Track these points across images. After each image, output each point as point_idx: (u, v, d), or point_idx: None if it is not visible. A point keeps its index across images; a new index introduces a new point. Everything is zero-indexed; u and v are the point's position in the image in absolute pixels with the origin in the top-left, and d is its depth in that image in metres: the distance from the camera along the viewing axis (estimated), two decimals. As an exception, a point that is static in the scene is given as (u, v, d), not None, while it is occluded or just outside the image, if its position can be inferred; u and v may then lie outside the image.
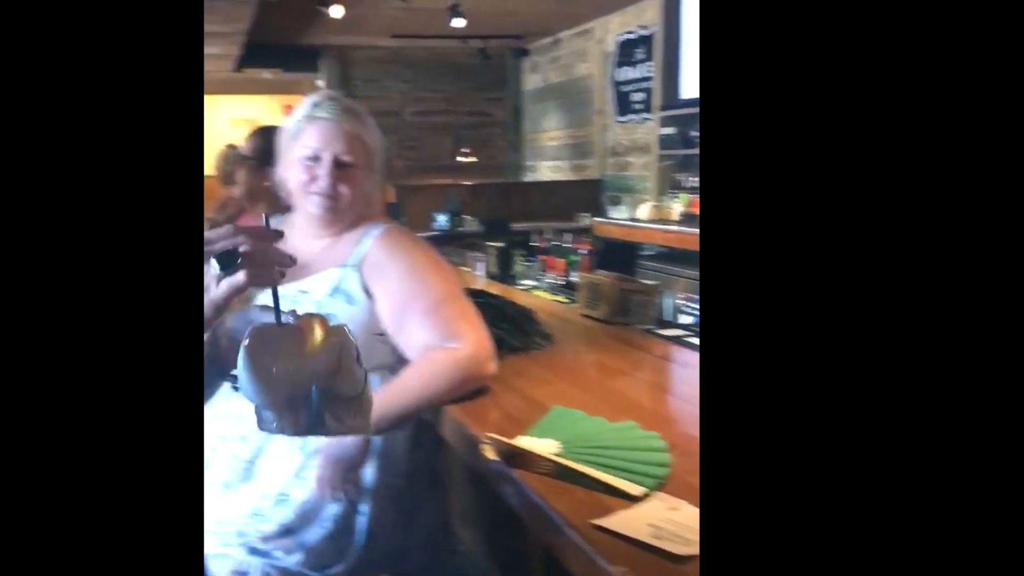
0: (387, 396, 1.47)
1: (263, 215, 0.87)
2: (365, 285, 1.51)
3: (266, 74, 7.12)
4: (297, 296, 1.51)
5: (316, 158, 1.52)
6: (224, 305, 0.78)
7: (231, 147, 3.74)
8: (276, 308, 0.82)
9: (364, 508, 1.48)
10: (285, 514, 1.46)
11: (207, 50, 5.68)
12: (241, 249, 0.80)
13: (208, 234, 0.77)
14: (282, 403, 0.78)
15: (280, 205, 1.72)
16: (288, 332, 0.79)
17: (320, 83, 6.96)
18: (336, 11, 4.98)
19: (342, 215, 1.55)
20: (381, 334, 1.51)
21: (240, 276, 0.79)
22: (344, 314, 1.48)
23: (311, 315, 0.81)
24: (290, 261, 0.83)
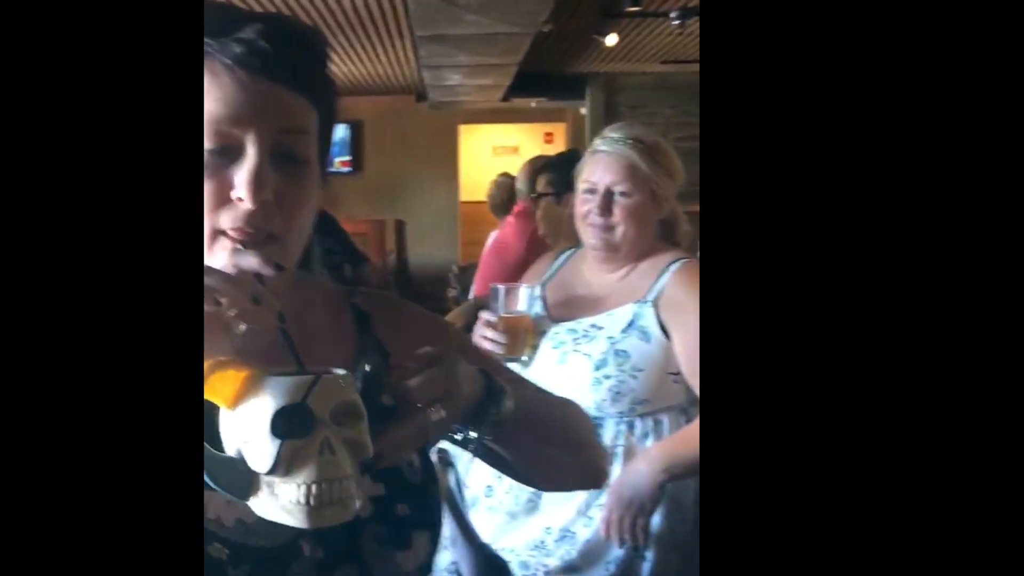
0: (680, 441, 1.40)
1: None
2: (662, 322, 1.45)
3: (532, 103, 7.36)
4: (590, 332, 1.49)
5: (593, 190, 1.53)
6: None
7: (506, 176, 3.88)
8: (292, 350, 0.67)
9: (648, 554, 1.42)
10: (568, 551, 1.43)
11: (479, 82, 5.98)
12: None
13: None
14: None
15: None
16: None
17: (584, 111, 7.07)
18: (611, 39, 5.03)
19: (617, 247, 1.53)
20: (676, 373, 1.44)
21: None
22: (638, 352, 1.44)
23: (223, 361, 0.63)
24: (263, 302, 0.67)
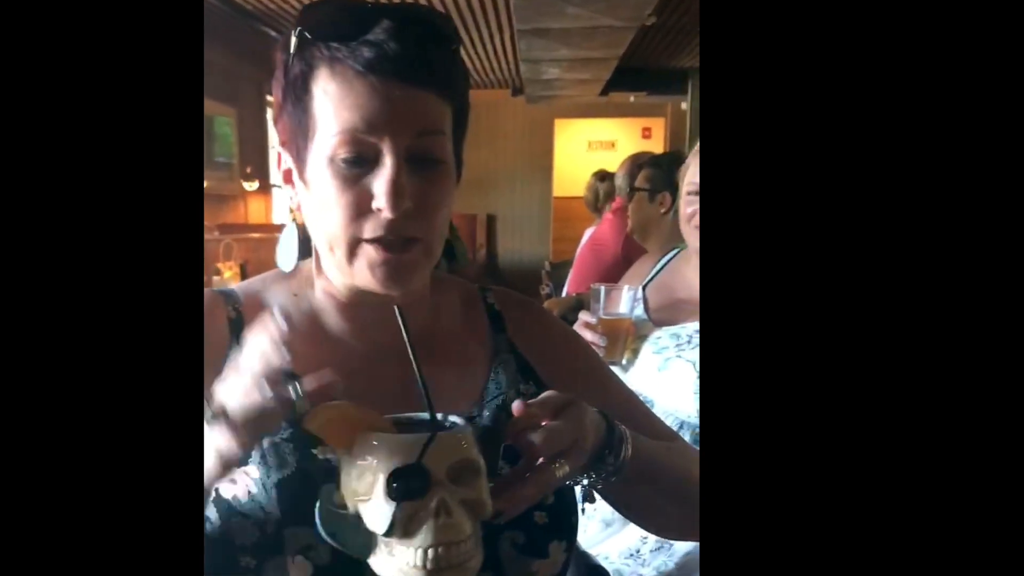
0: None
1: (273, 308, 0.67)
2: None
3: (631, 97, 7.26)
4: (695, 337, 1.43)
5: (697, 192, 1.48)
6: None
7: (604, 172, 3.83)
8: (426, 395, 0.64)
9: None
10: (665, 562, 1.39)
11: (578, 76, 5.93)
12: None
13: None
14: None
15: (675, 239, 1.68)
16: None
17: (685, 106, 6.94)
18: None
19: None
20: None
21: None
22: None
23: (339, 404, 0.60)
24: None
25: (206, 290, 0.83)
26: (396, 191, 0.69)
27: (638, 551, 1.40)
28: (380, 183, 0.69)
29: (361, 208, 0.70)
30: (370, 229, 0.71)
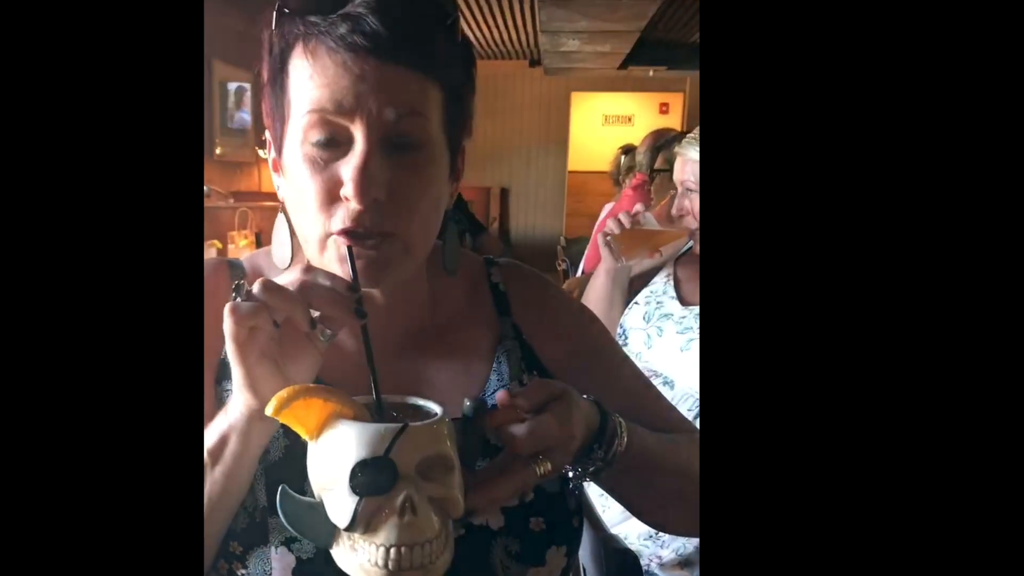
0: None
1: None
2: None
3: (650, 71, 7.19)
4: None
5: (691, 189, 1.54)
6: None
7: (628, 147, 3.78)
8: (375, 386, 0.61)
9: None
10: (684, 544, 1.38)
11: (597, 48, 5.86)
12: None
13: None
14: None
15: None
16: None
17: (703, 82, 6.87)
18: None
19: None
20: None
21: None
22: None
23: (310, 388, 0.57)
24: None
25: (214, 259, 0.82)
26: (364, 178, 0.63)
27: (657, 533, 1.40)
28: (348, 169, 0.64)
29: (330, 196, 0.65)
30: (339, 221, 0.65)
